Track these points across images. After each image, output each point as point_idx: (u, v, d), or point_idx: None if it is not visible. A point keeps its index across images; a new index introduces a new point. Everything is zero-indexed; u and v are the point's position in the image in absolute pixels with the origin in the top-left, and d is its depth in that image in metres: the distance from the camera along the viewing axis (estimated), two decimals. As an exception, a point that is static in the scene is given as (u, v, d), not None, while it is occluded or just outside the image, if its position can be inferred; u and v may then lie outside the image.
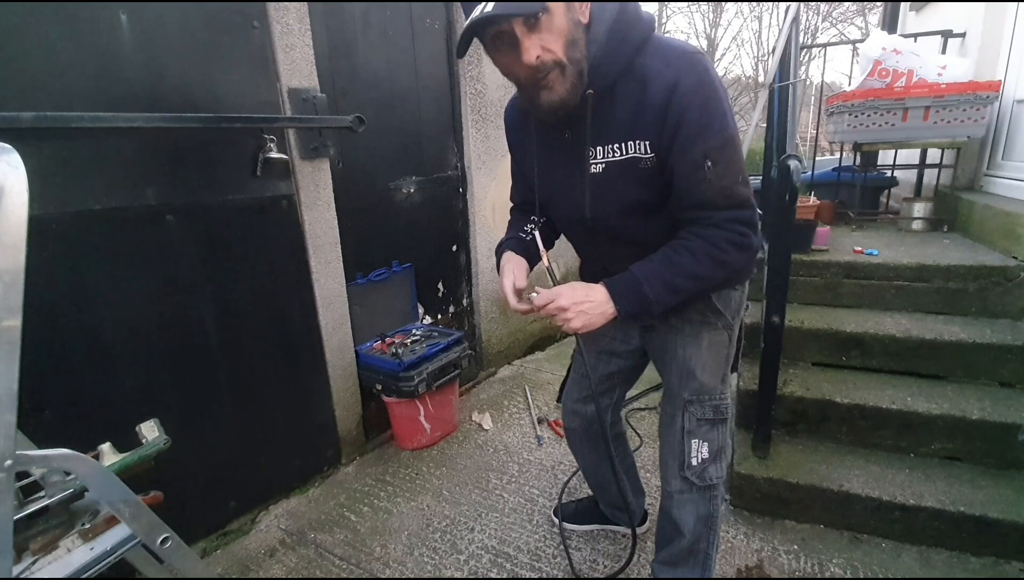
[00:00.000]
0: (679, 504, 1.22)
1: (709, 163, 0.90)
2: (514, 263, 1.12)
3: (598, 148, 0.98)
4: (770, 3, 11.88)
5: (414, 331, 2.24)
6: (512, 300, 1.07)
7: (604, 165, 0.98)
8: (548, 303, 0.97)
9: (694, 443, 1.16)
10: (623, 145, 0.95)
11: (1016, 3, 2.48)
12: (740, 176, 0.94)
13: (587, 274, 1.26)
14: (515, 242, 1.17)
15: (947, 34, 2.96)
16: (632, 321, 1.19)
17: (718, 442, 1.18)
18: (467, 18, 0.85)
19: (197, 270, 1.57)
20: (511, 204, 1.29)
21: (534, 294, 1.00)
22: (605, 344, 1.31)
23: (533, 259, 1.17)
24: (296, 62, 1.70)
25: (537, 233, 1.13)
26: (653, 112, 0.90)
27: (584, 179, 1.01)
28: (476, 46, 0.91)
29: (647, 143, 0.93)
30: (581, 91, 0.92)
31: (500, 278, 1.11)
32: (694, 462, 1.17)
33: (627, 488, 1.55)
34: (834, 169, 3.19)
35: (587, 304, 0.96)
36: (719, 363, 1.16)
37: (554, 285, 1.01)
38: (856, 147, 2.82)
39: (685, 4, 12.36)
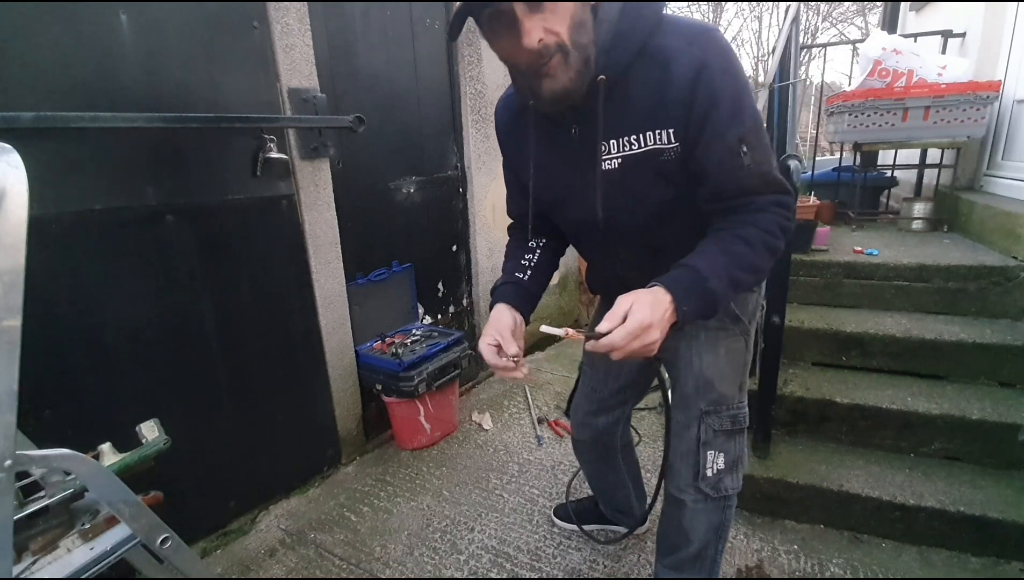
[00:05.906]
0: (692, 515, 1.15)
1: (745, 148, 0.82)
2: (502, 323, 1.00)
3: (612, 142, 0.87)
4: (770, 3, 11.89)
5: (414, 331, 2.24)
6: (492, 359, 0.95)
7: (620, 160, 0.88)
8: (631, 339, 0.78)
9: (710, 454, 1.09)
10: (642, 136, 0.85)
11: (1016, 3, 2.48)
12: (774, 160, 0.86)
13: (595, 282, 1.18)
14: (509, 290, 1.07)
15: (947, 34, 2.96)
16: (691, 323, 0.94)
17: (735, 452, 1.11)
18: None
19: (197, 270, 1.57)
20: (509, 219, 1.19)
21: (603, 327, 0.80)
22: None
23: (532, 302, 1.08)
24: (296, 62, 1.70)
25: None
26: (678, 95, 0.80)
27: (595, 178, 0.90)
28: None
29: (670, 131, 0.83)
30: (587, 79, 0.81)
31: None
32: (709, 473, 1.10)
33: (633, 497, 1.54)
34: (834, 169, 3.19)
35: (660, 314, 0.79)
36: (737, 371, 1.09)
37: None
38: (856, 147, 2.82)
39: (685, 4, 12.36)
